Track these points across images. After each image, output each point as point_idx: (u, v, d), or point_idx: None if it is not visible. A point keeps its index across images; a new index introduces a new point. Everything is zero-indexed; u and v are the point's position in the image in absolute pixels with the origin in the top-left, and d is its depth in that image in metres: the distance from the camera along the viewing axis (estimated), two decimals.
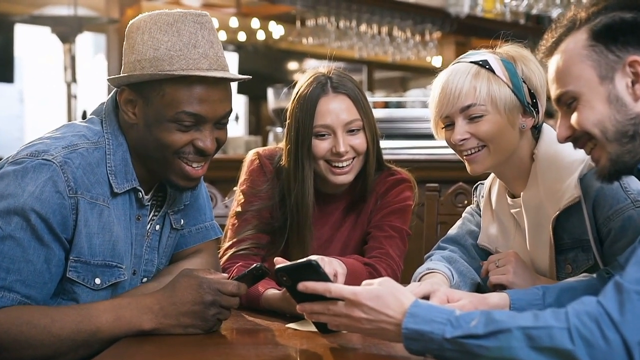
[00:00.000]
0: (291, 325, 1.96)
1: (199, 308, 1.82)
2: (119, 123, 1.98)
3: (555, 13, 7.11)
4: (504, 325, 1.43)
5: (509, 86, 2.05)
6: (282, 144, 2.47)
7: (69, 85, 6.90)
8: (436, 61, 9.61)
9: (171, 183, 1.98)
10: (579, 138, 1.68)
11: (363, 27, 7.61)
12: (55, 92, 8.29)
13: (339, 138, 2.32)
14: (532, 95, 2.08)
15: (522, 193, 2.12)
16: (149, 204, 2.04)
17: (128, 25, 1.95)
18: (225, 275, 1.92)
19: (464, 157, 2.12)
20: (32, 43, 9.12)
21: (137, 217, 2.00)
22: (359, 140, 2.36)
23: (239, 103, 9.64)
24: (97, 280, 1.91)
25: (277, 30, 9.17)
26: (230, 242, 2.40)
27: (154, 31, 1.88)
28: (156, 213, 2.08)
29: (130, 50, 1.92)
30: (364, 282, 1.67)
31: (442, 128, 2.14)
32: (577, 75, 1.63)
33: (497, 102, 2.03)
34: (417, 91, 4.90)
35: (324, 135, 2.34)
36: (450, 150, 4.22)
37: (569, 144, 2.07)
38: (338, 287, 1.63)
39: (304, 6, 7.25)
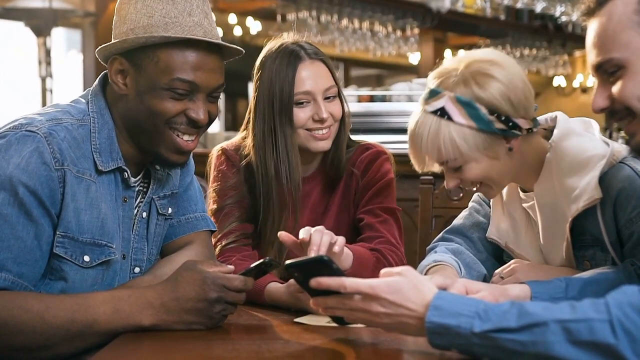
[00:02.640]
0: (299, 319, 1.87)
1: (203, 305, 1.73)
2: (107, 101, 1.93)
3: (539, 7, 7.09)
4: (540, 318, 1.33)
5: (472, 127, 1.85)
6: (243, 135, 2.41)
7: (43, 80, 6.77)
8: (413, 58, 9.57)
9: (161, 157, 1.91)
10: (618, 111, 1.55)
11: (344, 22, 7.54)
12: (30, 86, 8.14)
13: (320, 104, 2.28)
14: (506, 119, 1.86)
15: (534, 186, 2.01)
16: (135, 185, 1.97)
17: (118, 1, 1.91)
18: (231, 268, 1.82)
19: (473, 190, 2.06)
20: (4, 37, 8.96)
21: (123, 199, 1.93)
22: (337, 107, 2.32)
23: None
24: (86, 258, 1.83)
25: (254, 26, 9.07)
26: (217, 238, 2.32)
27: (148, 0, 1.84)
28: (142, 200, 2.00)
29: (121, 21, 1.87)
30: (382, 272, 1.56)
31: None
32: (626, 42, 1.49)
33: (468, 152, 1.86)
34: (403, 85, 4.81)
35: (303, 102, 2.28)
36: None
37: (588, 137, 1.97)
38: (354, 282, 1.52)
39: None
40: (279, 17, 7.47)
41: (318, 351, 1.64)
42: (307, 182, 2.42)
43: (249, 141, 2.35)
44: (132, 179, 1.94)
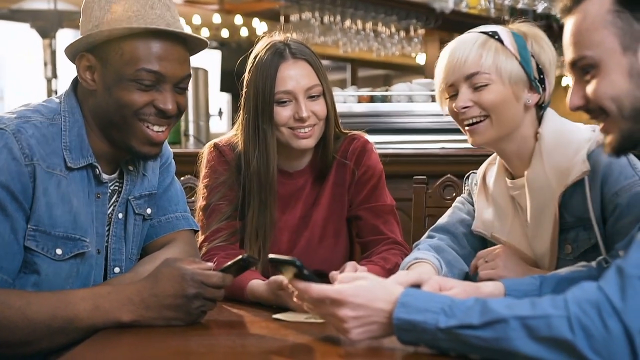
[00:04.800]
0: (278, 315, 1.90)
1: (182, 301, 1.76)
2: (78, 98, 1.96)
3: (541, 7, 7.07)
4: (500, 314, 1.36)
5: (516, 58, 2.01)
6: (235, 132, 2.44)
7: (49, 81, 6.83)
8: (420, 58, 9.57)
9: (133, 150, 1.94)
10: (592, 110, 1.56)
11: (347, 23, 7.56)
12: (35, 88, 8.20)
13: (300, 103, 2.31)
14: (540, 71, 2.04)
15: (526, 172, 2.06)
16: (109, 182, 2.00)
17: (84, 1, 1.94)
18: (210, 265, 1.85)
19: (466, 128, 2.08)
20: (11, 38, 9.01)
21: (96, 195, 1.96)
22: (320, 106, 2.35)
23: (222, 100, 9.60)
24: (59, 251, 1.87)
25: (260, 27, 9.11)
26: (204, 236, 2.35)
27: None
28: (117, 199, 2.03)
29: (87, 20, 1.91)
30: (342, 276, 1.60)
31: (447, 98, 2.10)
32: (598, 41, 1.50)
33: (502, 73, 2.00)
34: (403, 85, 4.82)
35: (285, 101, 2.32)
36: (436, 145, 4.14)
37: (575, 124, 2.03)
38: (320, 289, 1.55)
39: (288, 0, 7.19)
40: (282, 19, 7.49)
41: (294, 347, 1.66)
42: (300, 175, 2.47)
43: (239, 137, 2.40)
44: (105, 176, 1.97)
